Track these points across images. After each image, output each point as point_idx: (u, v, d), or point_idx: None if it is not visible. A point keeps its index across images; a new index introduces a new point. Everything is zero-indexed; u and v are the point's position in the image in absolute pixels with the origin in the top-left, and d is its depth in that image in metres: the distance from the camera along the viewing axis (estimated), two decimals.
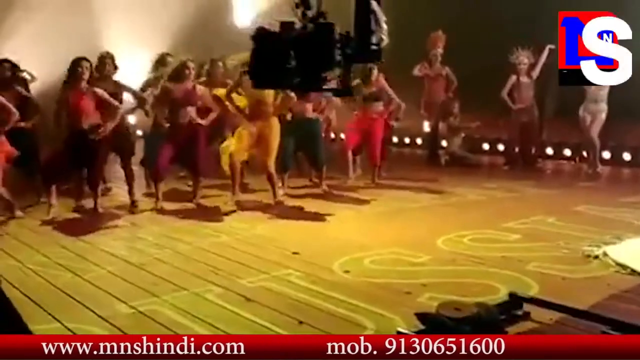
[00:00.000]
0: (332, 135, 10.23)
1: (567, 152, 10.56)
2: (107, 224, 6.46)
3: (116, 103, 7.01)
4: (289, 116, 7.58)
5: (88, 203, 7.04)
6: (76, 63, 6.61)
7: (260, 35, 2.80)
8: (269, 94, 6.88)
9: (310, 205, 7.14)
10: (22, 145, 6.81)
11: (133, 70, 8.64)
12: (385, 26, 2.83)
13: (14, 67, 7.34)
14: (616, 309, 3.76)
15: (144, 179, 7.99)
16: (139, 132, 9.82)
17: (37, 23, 12.67)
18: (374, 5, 2.77)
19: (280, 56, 2.72)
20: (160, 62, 7.88)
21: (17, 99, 7.04)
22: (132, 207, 7.06)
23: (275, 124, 7.03)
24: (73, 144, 6.63)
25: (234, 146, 7.00)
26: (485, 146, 11.47)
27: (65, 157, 6.67)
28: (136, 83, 8.07)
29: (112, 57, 7.58)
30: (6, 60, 7.33)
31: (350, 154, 8.40)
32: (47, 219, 6.57)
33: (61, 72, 6.80)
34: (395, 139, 12.74)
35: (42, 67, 8.44)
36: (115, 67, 7.58)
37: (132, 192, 7.24)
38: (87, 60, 6.69)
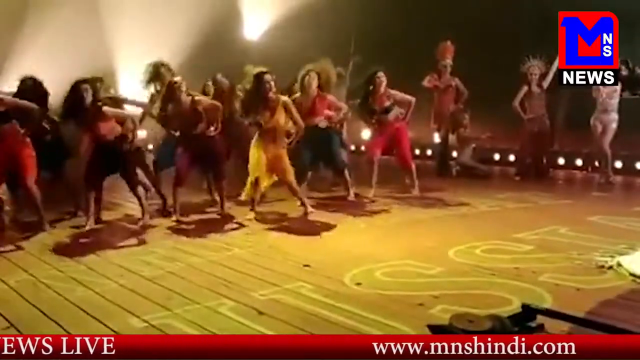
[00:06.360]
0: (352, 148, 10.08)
1: (579, 162, 10.52)
2: (118, 238, 6.48)
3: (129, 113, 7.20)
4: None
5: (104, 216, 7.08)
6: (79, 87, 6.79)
7: None
8: (282, 117, 7.01)
9: (321, 218, 7.14)
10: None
11: None
12: None
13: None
14: (631, 320, 3.72)
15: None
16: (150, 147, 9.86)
17: (46, 41, 12.82)
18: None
19: None
20: (155, 74, 7.88)
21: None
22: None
23: (285, 144, 7.17)
24: (103, 155, 6.82)
25: (259, 173, 7.04)
26: (496, 156, 11.45)
27: (98, 165, 6.84)
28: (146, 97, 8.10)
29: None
30: (31, 78, 7.43)
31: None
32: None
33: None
34: None
35: (51, 83, 8.55)
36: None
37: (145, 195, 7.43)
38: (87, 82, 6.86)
